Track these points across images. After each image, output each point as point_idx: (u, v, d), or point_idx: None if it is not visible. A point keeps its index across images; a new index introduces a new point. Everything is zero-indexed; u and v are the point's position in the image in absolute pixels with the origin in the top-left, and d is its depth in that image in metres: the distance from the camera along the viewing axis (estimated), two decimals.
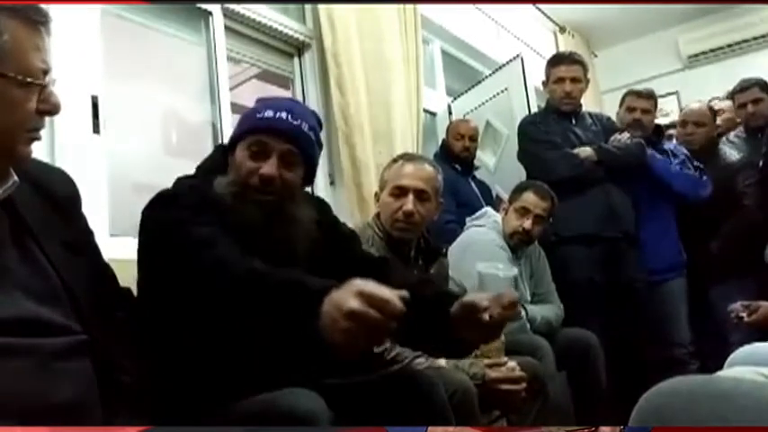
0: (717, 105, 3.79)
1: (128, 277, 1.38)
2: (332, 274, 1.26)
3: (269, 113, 1.44)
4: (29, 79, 1.00)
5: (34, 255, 1.08)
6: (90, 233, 1.28)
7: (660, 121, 3.88)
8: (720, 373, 1.59)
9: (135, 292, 1.39)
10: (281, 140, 1.43)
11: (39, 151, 1.18)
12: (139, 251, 1.41)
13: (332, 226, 1.67)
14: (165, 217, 1.34)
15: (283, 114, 1.43)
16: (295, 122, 1.44)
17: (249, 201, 1.41)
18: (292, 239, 1.47)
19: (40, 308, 1.04)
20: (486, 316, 1.33)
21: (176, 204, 1.37)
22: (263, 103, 1.51)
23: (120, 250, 1.82)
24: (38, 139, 1.07)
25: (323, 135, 1.63)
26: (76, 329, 1.09)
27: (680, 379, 1.02)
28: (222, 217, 1.37)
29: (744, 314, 2.30)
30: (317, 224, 1.56)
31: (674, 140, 3.75)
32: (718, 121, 3.69)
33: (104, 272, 1.29)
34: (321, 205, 1.70)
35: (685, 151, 3.51)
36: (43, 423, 0.97)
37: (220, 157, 1.52)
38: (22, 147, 1.04)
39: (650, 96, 3.51)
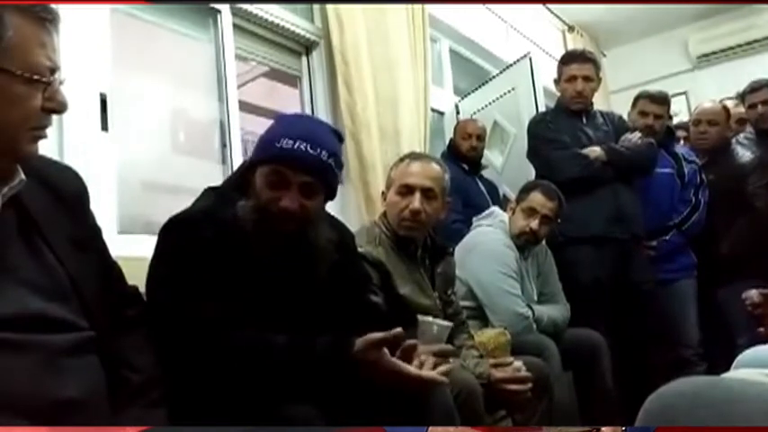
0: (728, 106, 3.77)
1: (135, 274, 1.38)
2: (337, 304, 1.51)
3: (287, 143, 1.41)
4: (33, 76, 0.99)
5: (42, 251, 1.09)
6: (98, 230, 1.28)
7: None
8: (727, 375, 1.58)
9: (142, 289, 1.40)
10: (301, 172, 1.42)
11: (47, 149, 1.18)
12: (150, 275, 1.43)
13: (351, 260, 1.70)
14: (178, 270, 1.36)
15: (302, 145, 1.40)
16: (314, 152, 1.41)
17: (269, 230, 1.42)
18: (311, 264, 1.49)
19: (47, 304, 1.04)
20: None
21: (190, 244, 1.38)
22: (282, 125, 1.49)
23: (128, 248, 1.83)
24: (43, 137, 1.07)
25: None
26: (83, 326, 1.10)
27: (686, 380, 1.01)
28: (241, 244, 1.39)
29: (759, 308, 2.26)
30: (336, 246, 1.58)
31: (682, 141, 3.73)
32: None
33: (112, 269, 1.29)
34: (345, 233, 1.72)
35: (696, 159, 3.49)
36: (50, 419, 0.97)
37: (244, 174, 1.52)
38: (27, 145, 1.03)
39: (664, 101, 3.47)
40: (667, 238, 3.36)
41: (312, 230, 1.48)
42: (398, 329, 1.38)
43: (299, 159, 1.41)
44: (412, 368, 1.34)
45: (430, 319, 1.46)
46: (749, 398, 0.91)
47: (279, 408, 1.22)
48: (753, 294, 2.30)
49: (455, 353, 1.46)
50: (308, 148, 1.41)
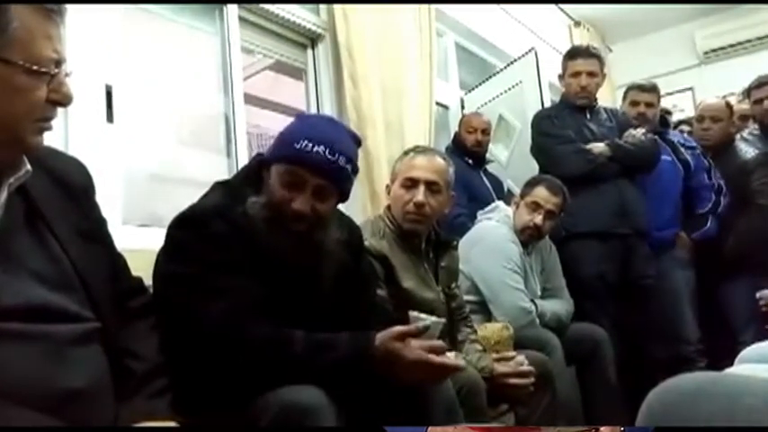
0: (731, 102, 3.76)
1: (140, 266, 1.39)
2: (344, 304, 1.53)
3: (306, 145, 1.40)
4: (38, 68, 0.99)
5: (48, 242, 1.09)
6: (103, 222, 1.28)
7: (675, 116, 3.86)
8: (730, 371, 1.58)
9: (147, 281, 1.40)
10: (316, 176, 1.41)
11: (52, 140, 1.18)
12: (159, 273, 1.43)
13: (359, 258, 1.70)
14: (190, 273, 1.36)
15: (321, 149, 1.40)
16: (332, 157, 1.41)
17: (280, 229, 1.42)
18: (319, 266, 1.50)
19: (52, 295, 1.05)
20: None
21: (200, 246, 1.37)
22: (302, 126, 1.48)
23: (132, 239, 1.84)
24: (48, 129, 1.06)
25: None
26: (89, 317, 1.10)
27: (688, 376, 1.01)
28: (251, 241, 1.39)
29: None
30: (344, 246, 1.59)
31: (685, 135, 3.73)
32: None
33: (117, 261, 1.30)
34: (353, 231, 1.73)
35: (695, 144, 3.49)
36: (55, 409, 0.98)
37: (256, 169, 1.51)
38: (32, 136, 1.03)
39: (653, 89, 3.50)
40: (708, 226, 3.37)
41: (322, 232, 1.48)
42: (426, 322, 1.43)
43: (316, 163, 1.40)
44: (435, 356, 1.36)
45: (422, 315, 1.47)
46: (751, 394, 0.91)
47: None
48: (767, 294, 2.31)
49: (447, 349, 1.46)
50: (327, 152, 1.40)
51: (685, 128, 3.94)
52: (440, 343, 1.44)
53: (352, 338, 1.34)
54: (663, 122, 3.57)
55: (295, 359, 1.28)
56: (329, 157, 1.40)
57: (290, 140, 1.43)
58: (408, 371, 1.33)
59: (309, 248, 1.46)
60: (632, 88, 3.55)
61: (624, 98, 3.58)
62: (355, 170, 1.51)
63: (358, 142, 1.57)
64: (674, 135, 3.58)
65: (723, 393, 0.92)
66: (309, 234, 1.45)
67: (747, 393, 0.90)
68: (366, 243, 1.91)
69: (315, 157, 1.40)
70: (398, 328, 1.36)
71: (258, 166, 1.51)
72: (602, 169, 3.06)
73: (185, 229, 1.41)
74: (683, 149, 3.45)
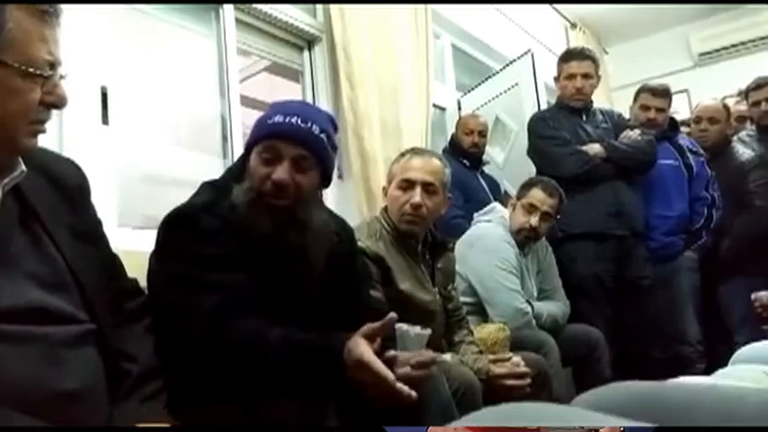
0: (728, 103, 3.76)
1: (135, 268, 1.38)
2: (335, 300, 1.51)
3: (279, 118, 1.45)
4: (32, 70, 0.99)
5: (43, 243, 1.09)
6: (99, 223, 1.28)
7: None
8: (724, 371, 1.58)
9: (142, 282, 1.40)
10: (292, 145, 1.44)
11: (47, 142, 1.18)
12: (152, 272, 1.44)
13: (351, 255, 1.70)
14: (178, 265, 1.37)
15: (293, 119, 1.44)
16: (304, 126, 1.44)
17: (263, 208, 1.42)
18: (306, 245, 1.48)
19: (48, 296, 1.05)
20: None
21: (190, 242, 1.38)
22: (275, 107, 1.52)
23: (127, 241, 1.83)
24: (42, 131, 1.06)
25: None
26: (83, 318, 1.10)
27: (684, 380, 1.01)
28: (239, 232, 1.40)
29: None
30: (337, 237, 1.59)
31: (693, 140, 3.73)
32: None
33: (112, 262, 1.30)
34: (345, 227, 1.73)
35: (702, 151, 3.48)
36: (49, 411, 0.97)
37: (241, 165, 1.53)
38: (26, 138, 1.03)
39: (665, 94, 3.44)
40: (703, 239, 3.36)
41: (305, 209, 1.47)
42: (391, 316, 1.35)
43: (290, 132, 1.44)
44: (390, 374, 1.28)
45: (406, 326, 1.47)
46: (747, 404, 0.90)
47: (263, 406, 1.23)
48: (762, 296, 2.30)
49: (434, 361, 1.45)
50: (299, 121, 1.44)
51: (682, 129, 3.93)
52: (428, 354, 1.44)
53: (324, 342, 1.31)
54: (672, 125, 3.52)
55: (268, 362, 1.28)
56: (302, 125, 1.44)
57: (265, 120, 1.48)
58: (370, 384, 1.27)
59: (294, 226, 1.45)
60: (644, 91, 3.47)
61: (635, 99, 3.51)
62: (333, 145, 1.53)
63: (334, 123, 1.58)
64: (682, 139, 3.53)
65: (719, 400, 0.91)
66: (292, 210, 1.45)
67: (742, 404, 0.90)
68: (362, 244, 1.91)
69: (288, 127, 1.44)
70: (365, 328, 1.32)
71: (243, 162, 1.53)
72: (597, 170, 3.07)
73: (174, 226, 1.42)
74: (689, 154, 3.43)
